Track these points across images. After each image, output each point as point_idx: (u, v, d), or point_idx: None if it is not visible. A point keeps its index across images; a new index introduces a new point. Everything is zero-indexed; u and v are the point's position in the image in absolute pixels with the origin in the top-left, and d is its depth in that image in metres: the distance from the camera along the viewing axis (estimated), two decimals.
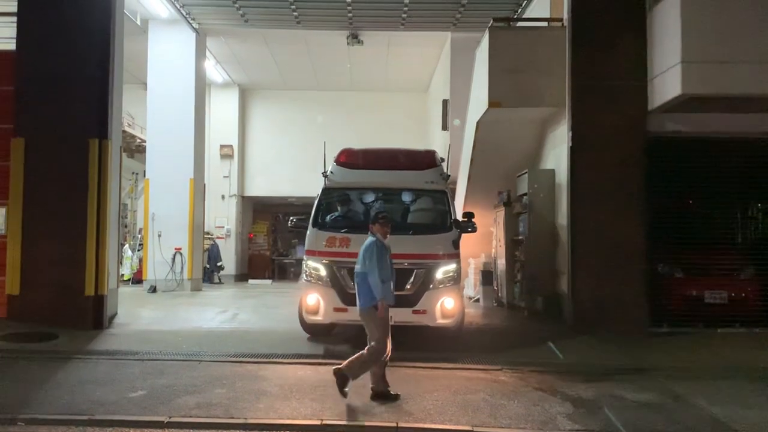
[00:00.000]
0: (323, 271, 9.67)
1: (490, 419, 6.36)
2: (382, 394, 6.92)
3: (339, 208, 10.51)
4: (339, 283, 9.56)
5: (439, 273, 9.48)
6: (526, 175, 12.95)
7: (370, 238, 7.25)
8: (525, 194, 12.93)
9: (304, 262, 10.10)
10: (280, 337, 10.29)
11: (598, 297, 10.61)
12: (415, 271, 9.48)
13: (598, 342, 9.85)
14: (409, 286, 9.43)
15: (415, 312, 9.41)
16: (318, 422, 6.09)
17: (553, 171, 12.69)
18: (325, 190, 10.54)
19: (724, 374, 8.25)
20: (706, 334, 10.51)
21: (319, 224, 10.15)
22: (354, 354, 7.01)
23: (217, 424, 6.06)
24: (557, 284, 12.14)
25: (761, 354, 9.33)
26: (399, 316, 8.92)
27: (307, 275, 9.90)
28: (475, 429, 6.05)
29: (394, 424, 6.07)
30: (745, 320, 10.82)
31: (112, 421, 6.08)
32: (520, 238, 13.41)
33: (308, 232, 10.13)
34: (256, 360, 8.58)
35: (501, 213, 14.25)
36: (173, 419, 6.11)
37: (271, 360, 8.61)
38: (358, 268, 7.20)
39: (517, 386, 7.40)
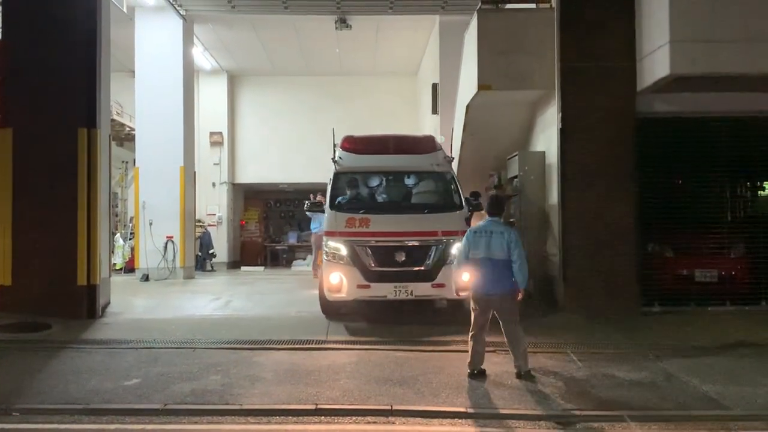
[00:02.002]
0: (344, 251, 10.06)
1: (484, 400, 6.42)
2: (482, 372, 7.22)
3: (354, 191, 11.11)
4: (361, 261, 9.99)
5: (455, 248, 9.79)
6: (517, 157, 12.94)
7: (505, 226, 7.36)
8: (516, 177, 12.93)
9: (323, 243, 10.53)
10: (274, 324, 10.32)
11: (589, 278, 10.67)
12: (433, 247, 10.04)
13: (589, 322, 9.92)
14: (429, 261, 9.99)
15: (435, 285, 9.94)
16: (313, 407, 6.13)
17: (543, 153, 12.68)
18: (337, 175, 10.97)
19: (715, 352, 8.34)
20: (697, 313, 10.59)
21: (336, 206, 10.58)
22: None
23: (212, 410, 6.09)
24: (549, 266, 12.17)
25: (752, 331, 9.42)
26: (419, 290, 9.93)
27: (327, 255, 10.25)
28: (469, 410, 6.11)
29: (388, 407, 6.12)
30: (736, 298, 10.91)
31: (107, 409, 6.11)
32: (511, 220, 13.42)
33: (326, 214, 10.61)
34: (250, 346, 8.60)
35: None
36: (168, 406, 6.14)
37: (265, 346, 8.62)
38: (493, 255, 7.14)
39: (510, 367, 7.44)
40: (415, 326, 9.72)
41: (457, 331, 8.93)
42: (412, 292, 9.91)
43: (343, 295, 10.12)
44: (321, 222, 16.79)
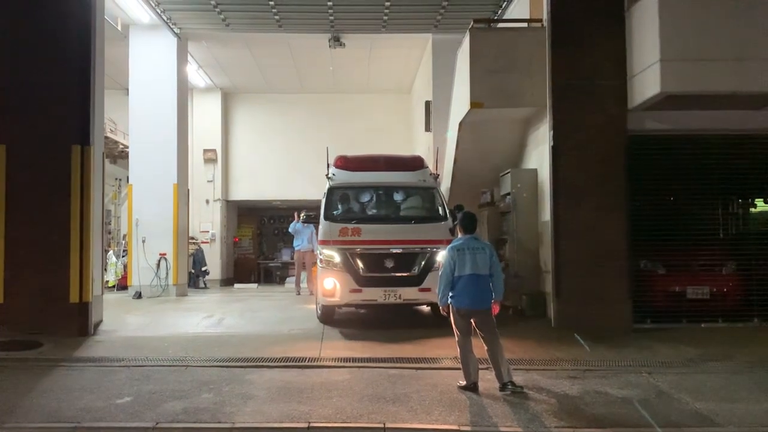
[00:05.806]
0: (338, 258, 10.92)
1: (476, 418, 6.40)
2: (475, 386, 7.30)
3: (347, 204, 12.07)
4: (353, 267, 10.86)
5: (440, 256, 10.35)
6: (509, 174, 13.01)
7: (483, 242, 7.58)
8: (508, 194, 12.99)
9: (318, 251, 11.59)
10: (267, 341, 10.27)
11: (581, 294, 10.70)
12: (420, 254, 10.96)
13: (582, 339, 9.89)
14: (416, 268, 10.89)
15: (421, 290, 10.78)
16: (305, 425, 6.10)
17: (535, 170, 12.76)
18: (331, 189, 11.83)
19: (707, 369, 8.35)
20: (689, 330, 10.62)
21: (330, 218, 11.42)
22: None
23: (204, 428, 6.06)
24: (542, 282, 12.21)
25: (744, 348, 9.43)
26: (407, 294, 10.81)
27: (322, 262, 11.11)
28: (461, 428, 6.09)
29: (381, 425, 6.10)
30: (728, 315, 10.95)
31: (98, 428, 6.07)
32: (504, 237, 13.47)
33: (321, 225, 11.44)
34: (242, 364, 8.55)
35: (484, 212, 14.30)
36: (160, 425, 6.10)
37: (257, 364, 8.57)
38: (479, 271, 7.30)
39: None
40: (405, 346, 9.67)
41: (450, 350, 8.94)
42: (400, 296, 10.76)
43: (336, 299, 10.96)
44: (303, 239, 17.16)
